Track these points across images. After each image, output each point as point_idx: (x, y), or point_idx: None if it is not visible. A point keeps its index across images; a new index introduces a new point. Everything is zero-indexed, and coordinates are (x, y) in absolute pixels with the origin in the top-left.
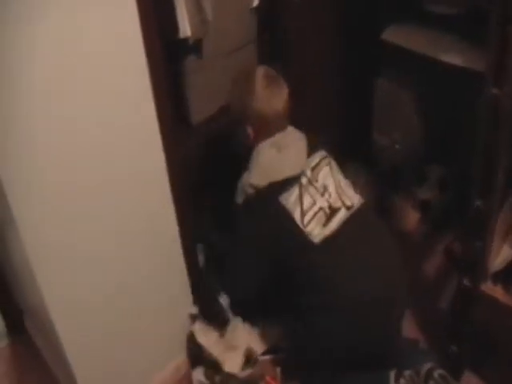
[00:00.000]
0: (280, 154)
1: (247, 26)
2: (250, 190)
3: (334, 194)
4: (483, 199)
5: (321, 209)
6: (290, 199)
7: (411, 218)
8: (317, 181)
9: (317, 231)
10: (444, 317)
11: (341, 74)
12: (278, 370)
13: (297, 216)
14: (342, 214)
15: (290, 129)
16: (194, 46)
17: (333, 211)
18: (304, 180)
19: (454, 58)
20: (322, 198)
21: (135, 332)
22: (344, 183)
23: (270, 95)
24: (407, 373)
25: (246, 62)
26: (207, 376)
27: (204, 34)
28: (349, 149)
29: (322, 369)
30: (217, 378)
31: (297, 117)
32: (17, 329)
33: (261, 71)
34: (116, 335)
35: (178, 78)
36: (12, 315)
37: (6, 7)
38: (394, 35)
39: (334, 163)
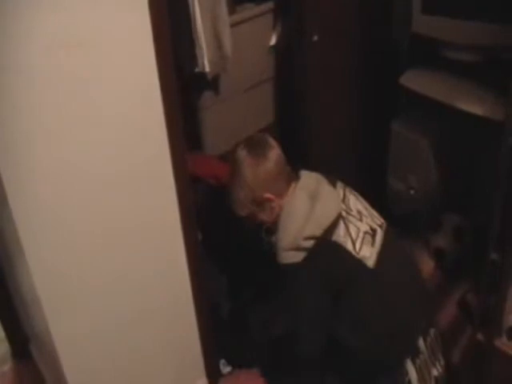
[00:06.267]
0: (317, 202)
1: (265, 64)
2: (305, 243)
3: (368, 217)
4: (499, 253)
5: (365, 233)
6: (340, 234)
7: (425, 266)
8: (351, 210)
9: (368, 253)
10: (455, 371)
11: (357, 116)
12: None
13: (349, 247)
14: (379, 233)
15: (306, 175)
16: (212, 82)
17: (374, 231)
18: (343, 213)
19: (471, 106)
20: (362, 222)
21: (139, 363)
22: (367, 205)
23: (256, 167)
24: None
25: (263, 100)
26: None
27: (222, 70)
28: (363, 193)
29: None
30: None
31: (312, 159)
32: (22, 353)
33: (242, 153)
34: (120, 366)
35: (194, 113)
36: (18, 339)
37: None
38: (412, 80)
39: (351, 189)
